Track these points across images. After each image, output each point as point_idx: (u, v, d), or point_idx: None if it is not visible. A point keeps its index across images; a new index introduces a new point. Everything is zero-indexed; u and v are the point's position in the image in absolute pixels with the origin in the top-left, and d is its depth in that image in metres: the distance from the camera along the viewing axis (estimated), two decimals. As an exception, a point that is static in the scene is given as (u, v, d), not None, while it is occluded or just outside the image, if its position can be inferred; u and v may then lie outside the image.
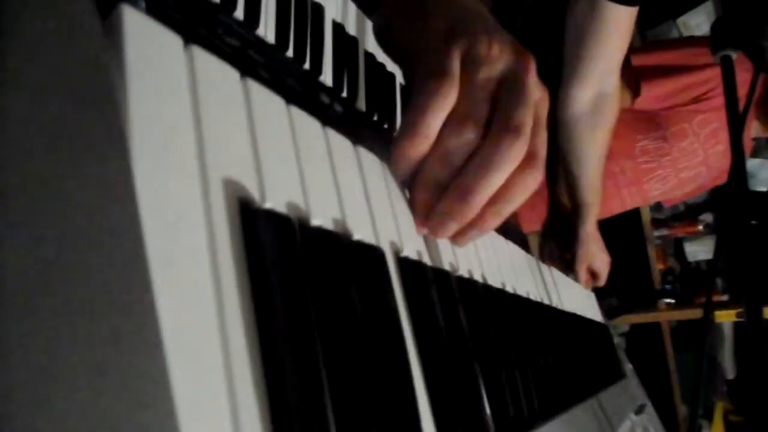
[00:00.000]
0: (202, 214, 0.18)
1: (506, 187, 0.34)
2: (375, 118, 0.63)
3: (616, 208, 1.38)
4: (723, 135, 1.22)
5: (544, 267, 0.69)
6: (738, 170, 0.59)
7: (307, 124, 0.27)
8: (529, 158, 0.34)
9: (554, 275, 0.74)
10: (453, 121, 0.33)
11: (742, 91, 0.69)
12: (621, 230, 2.45)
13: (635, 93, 1.19)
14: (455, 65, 0.34)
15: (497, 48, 0.35)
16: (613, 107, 0.97)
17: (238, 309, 0.17)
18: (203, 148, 0.19)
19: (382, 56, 0.69)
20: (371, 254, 0.27)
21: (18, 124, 0.12)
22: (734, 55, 0.73)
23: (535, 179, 0.34)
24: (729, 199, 0.57)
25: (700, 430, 2.18)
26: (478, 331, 0.35)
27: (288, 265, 0.20)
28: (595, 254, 1.11)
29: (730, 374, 2.38)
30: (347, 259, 0.23)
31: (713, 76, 1.17)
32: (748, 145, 1.29)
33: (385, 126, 0.65)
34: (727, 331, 2.34)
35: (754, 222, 0.61)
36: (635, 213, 2.23)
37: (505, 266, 0.51)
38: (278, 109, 0.25)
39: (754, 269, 0.51)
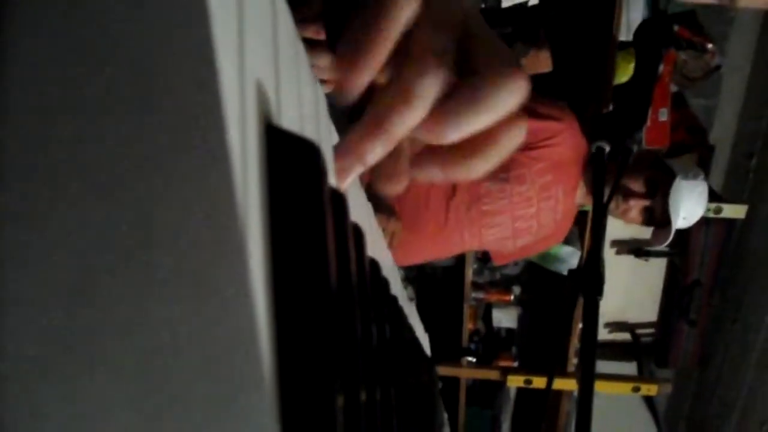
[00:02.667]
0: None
1: None
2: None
3: (456, 247, 1.42)
4: (554, 190, 1.32)
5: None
6: (594, 253, 0.65)
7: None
8: None
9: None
10: None
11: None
12: (444, 286, 2.61)
13: None
14: None
15: None
16: None
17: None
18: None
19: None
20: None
21: None
22: (607, 149, 0.81)
23: None
24: (580, 278, 0.62)
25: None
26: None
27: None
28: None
29: (505, 434, 2.60)
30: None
31: (556, 130, 1.28)
32: (574, 209, 1.42)
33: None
34: (512, 394, 2.57)
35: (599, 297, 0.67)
36: (460, 271, 2.38)
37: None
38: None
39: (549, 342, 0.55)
